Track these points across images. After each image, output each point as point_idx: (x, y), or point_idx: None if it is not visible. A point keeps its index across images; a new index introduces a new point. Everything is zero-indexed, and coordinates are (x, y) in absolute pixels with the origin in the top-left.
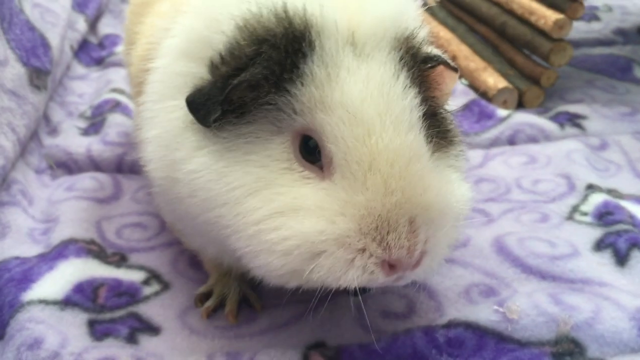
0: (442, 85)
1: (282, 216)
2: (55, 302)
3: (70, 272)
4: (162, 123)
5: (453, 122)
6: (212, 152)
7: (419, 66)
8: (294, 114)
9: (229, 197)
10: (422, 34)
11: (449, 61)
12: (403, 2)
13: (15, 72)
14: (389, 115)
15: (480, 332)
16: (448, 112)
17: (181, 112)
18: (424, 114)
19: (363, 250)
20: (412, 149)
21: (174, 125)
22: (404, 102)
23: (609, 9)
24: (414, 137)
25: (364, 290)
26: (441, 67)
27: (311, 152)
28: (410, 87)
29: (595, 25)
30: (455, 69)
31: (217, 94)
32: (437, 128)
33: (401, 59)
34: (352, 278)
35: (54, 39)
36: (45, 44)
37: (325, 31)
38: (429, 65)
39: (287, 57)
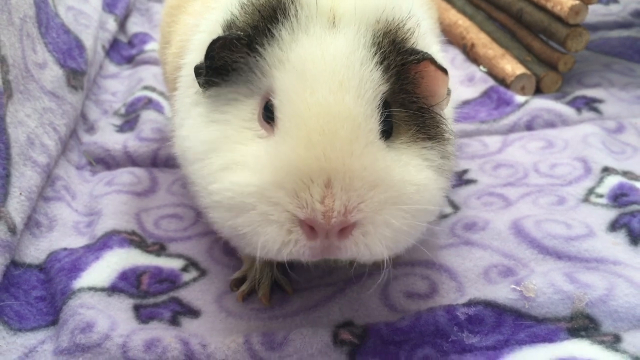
0: (432, 85)
1: (226, 170)
2: (103, 289)
3: (115, 261)
4: (181, 108)
5: (444, 123)
6: (198, 114)
7: (402, 56)
8: (263, 77)
9: (199, 152)
10: (409, 26)
11: (436, 59)
12: None
13: (53, 74)
14: (332, 77)
15: (499, 310)
16: (436, 112)
17: (195, 96)
18: (402, 105)
19: (278, 204)
20: (349, 114)
21: (187, 107)
22: (355, 71)
23: None
24: (355, 104)
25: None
26: (432, 68)
27: (270, 113)
28: (371, 63)
29: (613, 8)
30: (444, 70)
31: None
32: (417, 122)
33: (376, 41)
34: (273, 237)
35: (87, 40)
36: (80, 46)
37: (304, 4)
38: (412, 58)
39: (262, 21)
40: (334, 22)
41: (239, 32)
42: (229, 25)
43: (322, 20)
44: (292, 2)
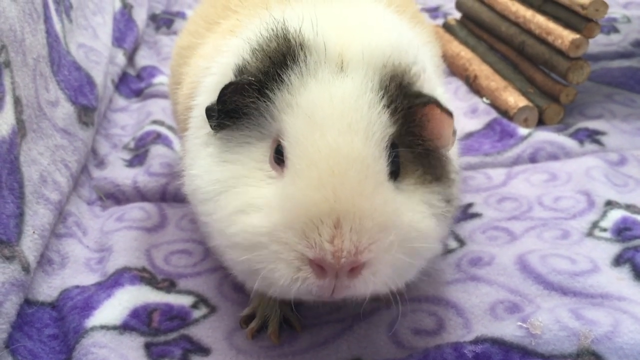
0: (438, 128)
1: (240, 213)
2: (114, 327)
3: (127, 299)
4: (192, 148)
5: (449, 163)
6: (209, 154)
7: (408, 99)
8: (273, 121)
9: (210, 192)
10: (415, 70)
11: (441, 102)
12: (398, 38)
13: (65, 111)
14: (341, 120)
15: (506, 347)
16: (442, 153)
17: (205, 136)
18: (408, 147)
19: (287, 244)
20: (358, 155)
21: (197, 148)
22: (364, 114)
23: (628, 20)
24: (364, 145)
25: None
26: (438, 111)
27: (281, 156)
28: (379, 106)
29: (614, 38)
30: (450, 113)
31: None
32: (423, 162)
33: (383, 85)
34: (283, 273)
35: (98, 76)
36: (90, 82)
37: (313, 50)
38: (418, 101)
39: (272, 67)
40: (342, 67)
41: (250, 78)
42: (241, 70)
43: (330, 66)
44: (302, 48)
